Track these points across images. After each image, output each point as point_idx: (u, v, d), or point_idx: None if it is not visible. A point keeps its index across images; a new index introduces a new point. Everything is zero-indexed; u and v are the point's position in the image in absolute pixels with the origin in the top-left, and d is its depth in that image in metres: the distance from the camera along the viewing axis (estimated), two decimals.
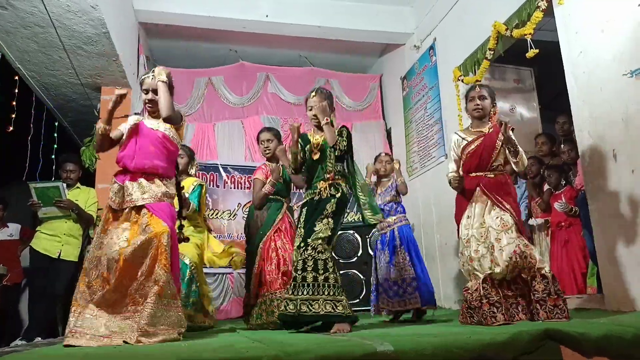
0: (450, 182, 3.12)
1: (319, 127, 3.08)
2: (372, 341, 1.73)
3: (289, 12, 5.85)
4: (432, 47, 5.60)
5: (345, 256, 5.44)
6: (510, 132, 2.87)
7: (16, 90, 4.89)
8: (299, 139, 3.13)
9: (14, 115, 4.82)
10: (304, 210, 3.06)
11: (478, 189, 2.97)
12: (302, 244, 2.91)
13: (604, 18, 3.21)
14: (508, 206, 2.87)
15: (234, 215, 6.14)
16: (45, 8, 3.88)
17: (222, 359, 1.55)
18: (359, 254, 5.48)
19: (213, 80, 6.51)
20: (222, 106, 6.52)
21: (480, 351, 1.64)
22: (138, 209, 2.66)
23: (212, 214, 6.08)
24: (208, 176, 6.15)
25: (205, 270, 5.79)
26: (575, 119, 3.44)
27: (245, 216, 6.04)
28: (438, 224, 5.40)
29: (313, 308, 2.69)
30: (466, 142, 3.06)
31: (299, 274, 2.80)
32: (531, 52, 3.81)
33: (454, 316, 3.74)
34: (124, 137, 2.80)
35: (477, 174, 2.99)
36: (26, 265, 4.87)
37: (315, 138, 3.10)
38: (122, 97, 2.70)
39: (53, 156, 5.27)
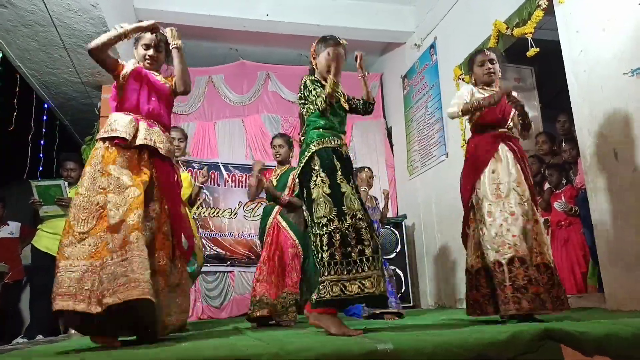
0: (461, 110, 2.79)
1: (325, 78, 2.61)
2: (372, 340, 1.73)
3: (288, 11, 5.85)
4: (432, 46, 5.59)
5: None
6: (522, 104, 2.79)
7: (17, 89, 4.89)
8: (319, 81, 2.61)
9: (15, 114, 4.82)
10: (338, 161, 2.44)
11: (503, 145, 2.75)
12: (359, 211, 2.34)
13: (605, 17, 3.21)
14: (528, 170, 2.76)
15: (235, 213, 6.15)
16: (46, 6, 3.89)
17: (223, 357, 1.55)
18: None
19: (213, 78, 6.52)
20: (222, 105, 6.53)
21: (481, 350, 1.64)
22: (149, 154, 2.38)
23: (213, 212, 6.08)
24: (209, 175, 6.15)
25: (205, 269, 5.84)
26: (576, 117, 3.44)
27: (246, 215, 6.13)
28: (438, 223, 5.41)
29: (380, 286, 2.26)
30: (483, 95, 2.83)
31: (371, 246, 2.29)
32: (532, 51, 3.81)
33: (454, 315, 3.74)
34: (125, 73, 2.49)
35: (499, 130, 2.80)
36: (27, 264, 4.88)
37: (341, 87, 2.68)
38: (155, 29, 2.50)
39: (54, 154, 5.27)
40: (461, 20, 5.07)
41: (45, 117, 5.54)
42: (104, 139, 2.34)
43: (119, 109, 2.46)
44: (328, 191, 2.35)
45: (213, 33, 6.02)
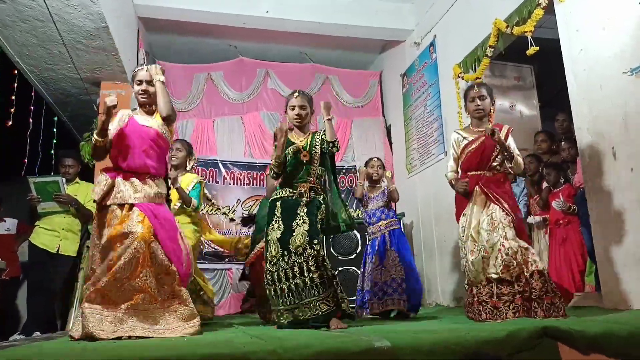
0: (450, 182, 3.14)
1: (300, 129, 3.12)
2: (370, 337, 1.73)
3: (289, 8, 5.84)
4: (432, 44, 5.59)
5: (345, 253, 5.44)
6: (507, 138, 2.95)
7: (15, 85, 4.87)
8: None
9: (13, 110, 4.81)
10: (278, 206, 3.00)
11: (477, 187, 2.99)
12: (313, 242, 2.84)
13: (605, 16, 3.20)
14: (505, 203, 2.89)
15: (233, 211, 6.14)
16: (45, 2, 3.87)
17: (221, 354, 1.55)
18: (357, 251, 5.49)
19: (212, 75, 6.50)
20: (221, 102, 6.51)
21: (478, 348, 1.64)
22: (128, 208, 2.63)
23: (211, 209, 6.08)
24: (207, 172, 6.15)
25: (204, 266, 5.84)
26: (575, 116, 3.44)
27: (245, 212, 6.11)
28: (437, 220, 5.41)
29: (320, 309, 2.73)
30: (467, 141, 3.08)
31: (308, 277, 2.78)
32: (531, 50, 3.80)
33: (452, 312, 3.75)
34: (111, 137, 2.74)
35: (477, 172, 3.02)
36: (24, 260, 4.87)
37: (300, 140, 3.08)
38: (113, 107, 2.66)
39: (52, 151, 5.26)
40: (461, 18, 5.06)
41: (43, 114, 5.53)
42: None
43: (112, 162, 2.78)
44: (268, 238, 2.95)
45: (212, 30, 6.01)
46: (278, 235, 2.87)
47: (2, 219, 5.15)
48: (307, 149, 3.03)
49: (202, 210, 5.99)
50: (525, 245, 2.83)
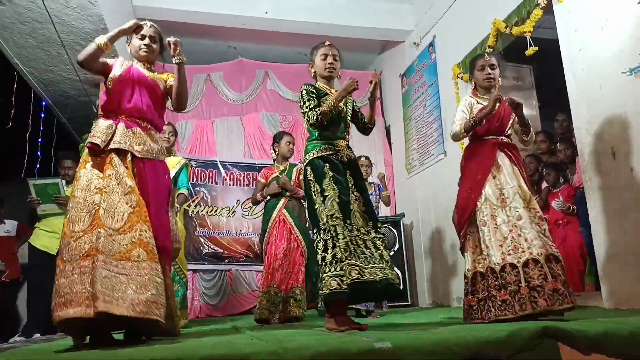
0: (463, 129, 2.84)
1: (330, 81, 2.84)
2: (370, 338, 1.73)
3: (288, 9, 5.85)
4: (431, 45, 5.59)
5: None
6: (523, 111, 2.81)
7: (14, 87, 4.88)
8: (314, 89, 2.75)
9: (12, 112, 4.81)
10: (327, 167, 2.61)
11: (500, 152, 2.79)
12: (371, 223, 2.61)
13: (604, 16, 3.21)
14: (525, 174, 2.78)
15: (233, 212, 6.15)
16: (44, 3, 3.87)
17: (221, 355, 1.55)
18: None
19: (212, 76, 6.50)
20: (220, 103, 6.52)
21: (478, 348, 1.64)
22: (123, 155, 2.36)
23: (211, 210, 6.08)
24: (207, 173, 6.15)
25: (203, 267, 5.85)
26: (574, 116, 3.44)
27: (244, 213, 6.12)
28: (436, 221, 5.41)
29: (394, 278, 2.48)
30: (481, 105, 2.87)
31: (375, 251, 2.53)
32: (530, 50, 3.81)
33: (451, 313, 3.75)
34: (113, 76, 2.46)
35: (497, 137, 2.84)
36: (24, 262, 4.86)
37: (332, 90, 2.80)
38: (139, 29, 2.48)
39: (52, 152, 5.26)
40: (460, 18, 5.07)
41: (43, 115, 5.53)
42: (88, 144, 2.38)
43: (104, 108, 2.48)
44: (321, 198, 2.55)
45: (212, 30, 6.01)
46: (337, 200, 2.53)
47: (2, 221, 5.14)
48: (343, 103, 2.79)
49: (202, 212, 6.00)
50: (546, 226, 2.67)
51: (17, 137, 5.08)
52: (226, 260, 5.97)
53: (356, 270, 2.38)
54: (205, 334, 2.65)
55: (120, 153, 2.36)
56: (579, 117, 3.39)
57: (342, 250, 2.41)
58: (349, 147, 2.76)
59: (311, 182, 2.61)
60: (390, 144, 6.80)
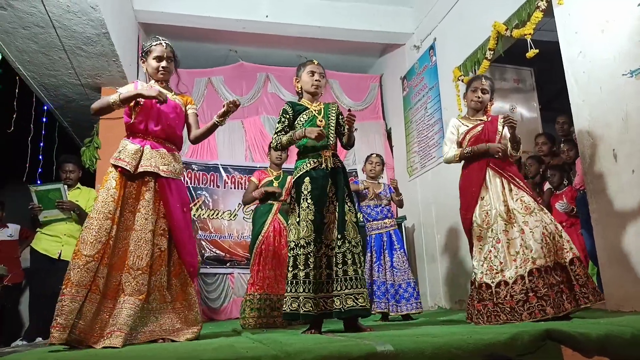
0: (458, 157, 3.02)
1: (314, 96, 2.94)
2: (372, 341, 1.73)
3: (288, 13, 5.86)
4: (432, 47, 5.60)
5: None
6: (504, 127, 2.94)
7: (16, 91, 4.89)
8: (291, 108, 2.89)
9: (14, 116, 4.82)
10: (307, 182, 2.74)
11: (489, 170, 2.91)
12: (339, 236, 2.68)
13: (604, 18, 3.21)
14: (522, 184, 2.85)
15: (235, 215, 6.15)
16: (45, 8, 3.88)
17: (223, 359, 1.55)
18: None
19: (213, 80, 6.51)
20: (222, 106, 6.49)
21: (481, 351, 1.63)
22: (154, 177, 2.50)
23: (212, 214, 6.08)
24: (208, 176, 6.16)
25: (205, 270, 5.84)
26: (575, 119, 3.44)
27: (246, 216, 6.12)
28: (438, 223, 5.40)
29: (358, 302, 2.58)
30: (467, 127, 3.05)
31: (339, 268, 2.64)
32: (531, 52, 3.81)
33: (453, 316, 3.74)
34: (140, 100, 2.54)
35: (484, 157, 2.95)
36: (26, 266, 4.87)
37: (314, 105, 2.92)
38: (161, 100, 2.51)
39: (53, 156, 5.27)
40: (460, 21, 5.07)
41: (44, 119, 5.54)
42: (115, 165, 2.48)
43: (130, 130, 2.60)
44: (297, 219, 2.72)
45: (213, 34, 6.02)
46: (310, 218, 2.67)
47: (4, 225, 5.15)
48: (322, 114, 2.88)
49: (203, 215, 6.00)
50: (560, 226, 2.77)
51: (18, 141, 5.09)
52: (228, 264, 5.97)
53: (310, 303, 2.55)
54: (207, 338, 2.64)
55: (146, 175, 2.50)
56: (580, 119, 3.39)
57: (303, 278, 2.58)
58: (334, 156, 2.85)
59: (292, 199, 2.83)
60: (391, 147, 6.80)
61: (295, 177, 2.80)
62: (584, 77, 3.35)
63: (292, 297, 2.60)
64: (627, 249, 2.99)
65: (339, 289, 2.62)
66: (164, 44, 2.73)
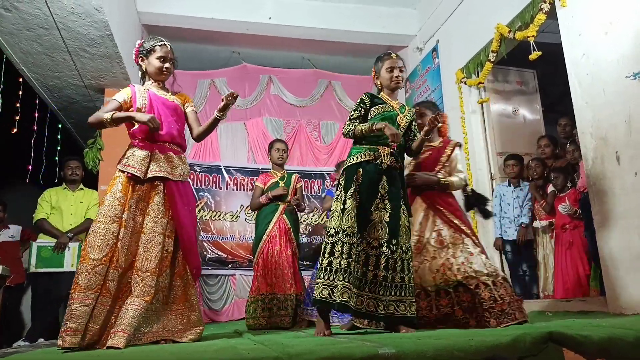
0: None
1: (393, 92, 2.84)
2: (373, 343, 1.72)
3: (292, 15, 5.87)
4: (435, 49, 5.60)
5: None
6: (453, 152, 2.98)
7: (20, 92, 4.90)
8: (369, 99, 2.77)
9: (17, 117, 4.83)
10: (359, 174, 2.62)
11: (418, 198, 2.96)
12: (393, 241, 2.55)
13: (607, 20, 3.20)
14: (451, 216, 2.85)
15: (237, 217, 6.15)
16: (49, 10, 3.90)
17: None
18: None
19: (216, 82, 6.52)
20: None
21: (482, 354, 1.63)
22: (163, 181, 2.51)
23: (215, 215, 6.09)
24: (211, 178, 6.17)
25: (207, 272, 5.84)
26: (579, 121, 3.43)
27: (248, 218, 6.12)
28: None
29: (399, 309, 2.50)
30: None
31: (388, 273, 2.52)
32: (534, 54, 3.81)
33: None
34: (141, 108, 2.55)
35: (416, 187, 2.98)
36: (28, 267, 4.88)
37: (394, 102, 2.82)
38: (155, 128, 2.49)
39: (56, 158, 5.28)
40: (463, 23, 5.07)
41: (48, 121, 5.55)
42: (122, 170, 2.48)
43: (135, 135, 2.56)
44: (341, 207, 2.57)
45: (216, 36, 6.04)
46: (354, 212, 2.55)
47: (6, 226, 5.17)
48: (404, 112, 2.79)
49: (205, 216, 6.01)
50: (472, 257, 2.72)
51: (22, 143, 5.11)
52: (230, 265, 5.97)
53: (348, 293, 2.43)
54: (209, 339, 2.65)
55: (155, 179, 2.50)
56: (583, 121, 3.38)
57: (344, 267, 2.45)
58: (392, 154, 2.67)
59: (340, 187, 2.66)
60: None
61: (348, 165, 2.67)
62: (587, 79, 3.34)
63: (324, 285, 2.45)
64: (630, 252, 2.98)
65: (382, 293, 2.50)
66: (168, 46, 2.73)
